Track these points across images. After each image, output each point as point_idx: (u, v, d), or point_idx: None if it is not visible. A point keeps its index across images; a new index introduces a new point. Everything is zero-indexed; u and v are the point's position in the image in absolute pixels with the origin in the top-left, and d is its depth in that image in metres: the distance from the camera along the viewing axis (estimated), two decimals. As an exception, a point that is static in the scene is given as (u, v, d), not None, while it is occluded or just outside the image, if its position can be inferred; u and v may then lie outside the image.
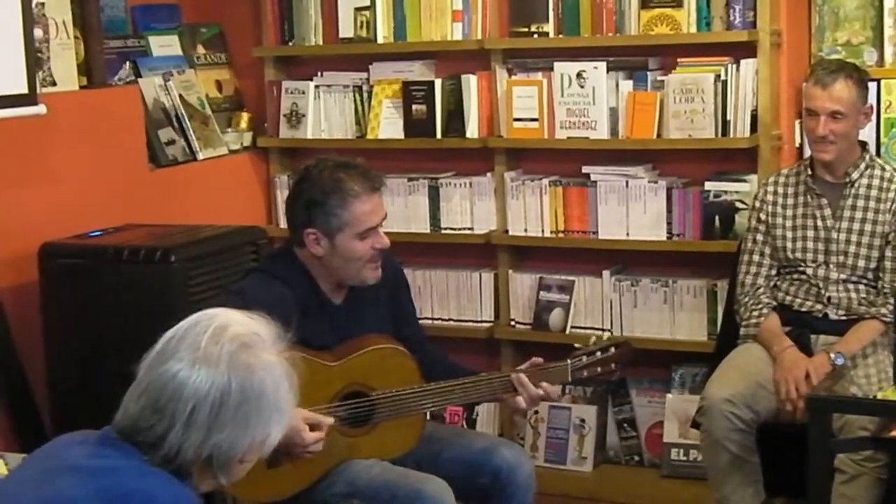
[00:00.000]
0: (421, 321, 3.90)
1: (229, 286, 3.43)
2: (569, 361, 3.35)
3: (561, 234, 4.73)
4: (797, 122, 4.43)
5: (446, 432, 3.48)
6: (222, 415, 1.97)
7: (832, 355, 3.77)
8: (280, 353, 2.07)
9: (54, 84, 4.24)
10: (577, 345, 3.42)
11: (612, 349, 3.39)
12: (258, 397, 2.00)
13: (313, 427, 3.03)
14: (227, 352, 1.99)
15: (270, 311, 2.99)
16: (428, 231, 4.92)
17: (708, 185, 4.49)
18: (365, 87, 5.01)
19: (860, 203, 3.92)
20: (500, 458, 3.32)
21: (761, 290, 4.00)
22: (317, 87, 5.08)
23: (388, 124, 4.93)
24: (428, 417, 3.47)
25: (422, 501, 3.10)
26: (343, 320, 3.32)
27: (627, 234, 4.61)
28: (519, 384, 3.30)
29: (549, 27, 4.66)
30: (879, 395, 3.57)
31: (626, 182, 4.59)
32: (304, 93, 5.08)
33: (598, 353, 3.37)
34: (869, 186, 3.92)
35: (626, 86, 4.56)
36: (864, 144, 4.00)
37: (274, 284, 3.25)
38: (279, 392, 2.04)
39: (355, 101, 5.03)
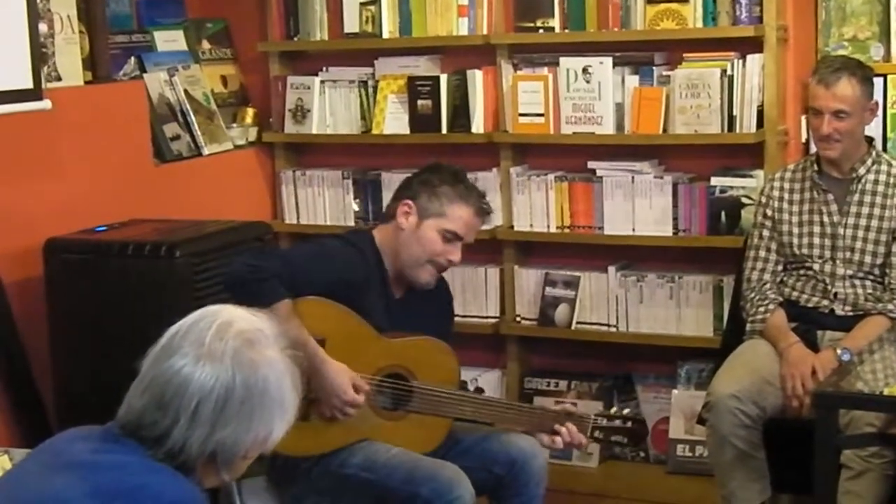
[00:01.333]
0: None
1: None
2: (593, 416, 3.52)
3: (567, 230, 4.72)
4: (803, 118, 4.42)
5: (463, 425, 3.54)
6: (226, 411, 1.97)
7: (839, 351, 3.77)
8: (283, 349, 2.07)
9: (59, 79, 4.24)
10: (600, 409, 3.73)
11: (630, 423, 3.55)
12: (262, 394, 2.00)
13: (356, 389, 3.23)
14: (232, 348, 1.99)
15: (342, 262, 3.34)
16: (433, 226, 4.91)
17: (714, 181, 4.48)
18: (370, 82, 5.01)
19: (867, 199, 3.91)
20: (517, 448, 3.41)
21: (767, 285, 3.99)
22: (322, 82, 5.07)
23: (393, 119, 4.93)
24: None
25: (438, 483, 3.19)
26: (400, 314, 3.46)
27: (633, 230, 4.60)
28: (563, 430, 3.44)
29: (555, 22, 4.66)
30: (886, 391, 3.56)
31: (632, 177, 4.58)
32: (309, 88, 5.07)
33: (618, 422, 3.53)
34: (876, 182, 3.91)
35: (632, 81, 4.55)
36: (870, 140, 3.99)
37: (351, 251, 3.42)
38: (282, 389, 2.04)
39: (361, 96, 5.02)
